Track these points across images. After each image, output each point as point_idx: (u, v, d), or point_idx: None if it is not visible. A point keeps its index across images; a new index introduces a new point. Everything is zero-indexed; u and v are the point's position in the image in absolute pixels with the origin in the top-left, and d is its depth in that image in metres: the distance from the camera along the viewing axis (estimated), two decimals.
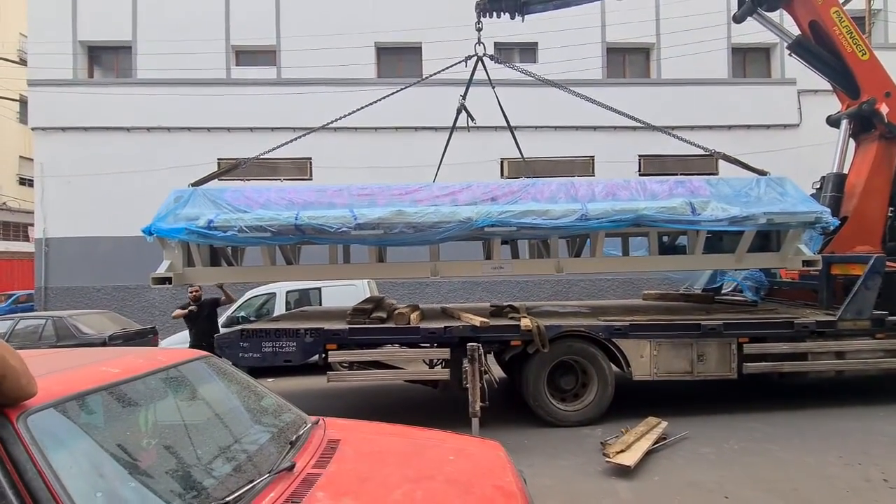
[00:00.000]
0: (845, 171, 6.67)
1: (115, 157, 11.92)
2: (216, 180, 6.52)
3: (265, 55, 12.94)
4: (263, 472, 1.82)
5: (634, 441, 4.39)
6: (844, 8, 6.78)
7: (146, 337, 8.67)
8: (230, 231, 5.04)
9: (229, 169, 6.48)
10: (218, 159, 11.72)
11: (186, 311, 6.46)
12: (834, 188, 6.49)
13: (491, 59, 6.73)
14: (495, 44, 12.73)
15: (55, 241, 12.04)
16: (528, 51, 13.10)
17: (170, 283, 5.38)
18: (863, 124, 6.69)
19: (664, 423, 4.83)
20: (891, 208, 6.52)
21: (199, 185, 5.69)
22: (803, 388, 6.14)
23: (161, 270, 5.37)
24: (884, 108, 6.46)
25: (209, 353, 2.63)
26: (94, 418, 1.67)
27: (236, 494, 1.63)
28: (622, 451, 4.18)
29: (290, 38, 12.57)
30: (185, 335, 8.43)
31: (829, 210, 5.57)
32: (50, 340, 7.66)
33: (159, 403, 2.01)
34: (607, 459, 4.07)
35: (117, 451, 1.64)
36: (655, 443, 4.46)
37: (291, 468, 1.89)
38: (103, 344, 7.48)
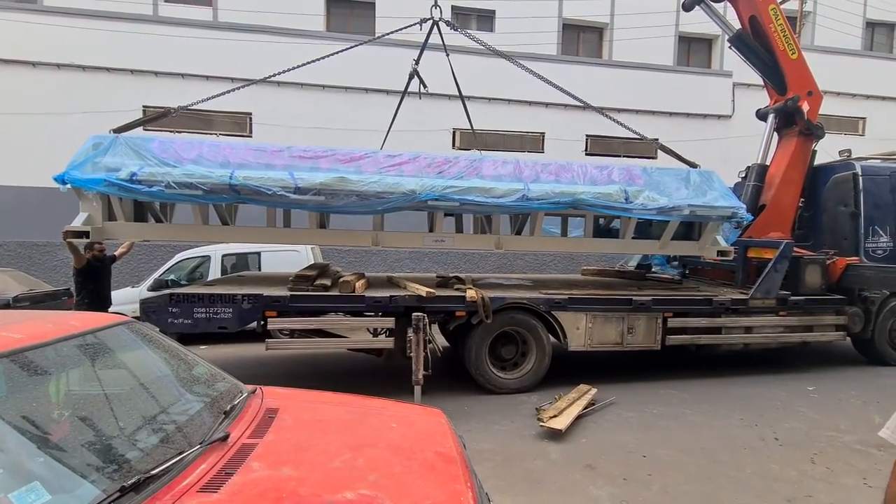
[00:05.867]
0: (768, 162, 7.24)
1: (17, 96, 10.45)
2: (141, 129, 5.90)
3: None
4: (194, 444, 1.72)
5: (566, 407, 4.66)
6: (781, 7, 7.20)
7: (59, 299, 7.85)
8: (156, 186, 4.64)
9: (157, 117, 5.83)
10: (143, 106, 10.61)
11: (90, 255, 5.47)
12: (757, 178, 7.03)
13: (447, 25, 6.50)
14: (452, 7, 12.39)
15: None
16: (486, 18, 12.84)
17: (87, 237, 4.84)
18: (786, 119, 7.25)
19: (594, 390, 5.17)
20: (801, 199, 7.21)
21: (121, 132, 5.11)
22: (714, 358, 6.79)
23: (77, 223, 4.82)
24: (805, 106, 7.03)
25: (131, 318, 2.43)
26: None
27: (163, 467, 1.53)
28: (555, 416, 4.44)
29: None
30: (127, 293, 7.78)
31: (745, 206, 6.02)
32: None
33: (73, 372, 1.82)
34: (541, 424, 4.31)
35: (22, 423, 1.47)
36: (585, 408, 4.76)
37: (225, 438, 1.81)
38: (7, 306, 6.71)
